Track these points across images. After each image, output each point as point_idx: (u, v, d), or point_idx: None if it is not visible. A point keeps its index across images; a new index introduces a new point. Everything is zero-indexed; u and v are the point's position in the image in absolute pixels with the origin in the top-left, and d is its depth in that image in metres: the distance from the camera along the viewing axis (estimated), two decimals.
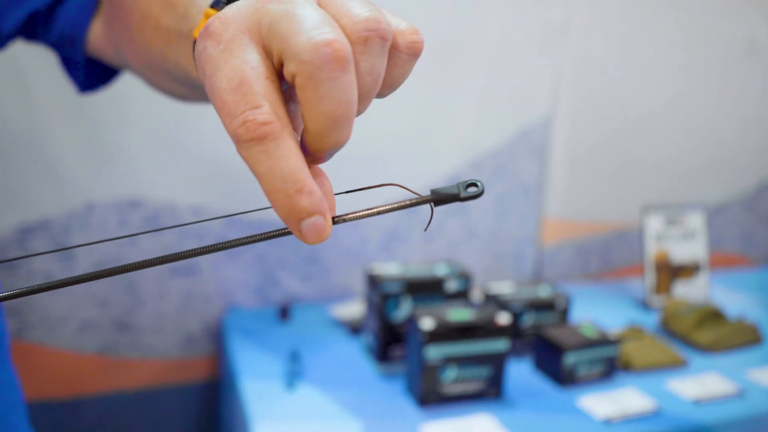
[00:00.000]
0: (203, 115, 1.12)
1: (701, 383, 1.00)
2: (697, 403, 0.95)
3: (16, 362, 1.05)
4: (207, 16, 0.35)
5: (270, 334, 1.13)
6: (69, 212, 1.08)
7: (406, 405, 0.91)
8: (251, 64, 0.25)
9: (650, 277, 1.33)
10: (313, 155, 0.27)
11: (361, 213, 0.28)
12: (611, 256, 1.54)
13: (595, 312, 1.27)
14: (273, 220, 1.21)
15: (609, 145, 1.46)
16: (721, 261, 1.67)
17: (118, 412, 1.21)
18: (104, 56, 0.55)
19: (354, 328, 1.14)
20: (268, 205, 1.15)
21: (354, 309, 1.19)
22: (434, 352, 0.88)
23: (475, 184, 0.29)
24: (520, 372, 1.03)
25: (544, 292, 1.11)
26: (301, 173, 0.25)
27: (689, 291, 1.37)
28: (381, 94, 0.29)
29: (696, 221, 1.39)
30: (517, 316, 1.05)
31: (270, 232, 0.27)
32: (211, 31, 0.27)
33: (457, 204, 1.35)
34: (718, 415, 0.92)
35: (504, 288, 1.12)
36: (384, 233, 1.31)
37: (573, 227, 1.48)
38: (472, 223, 1.37)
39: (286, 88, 0.29)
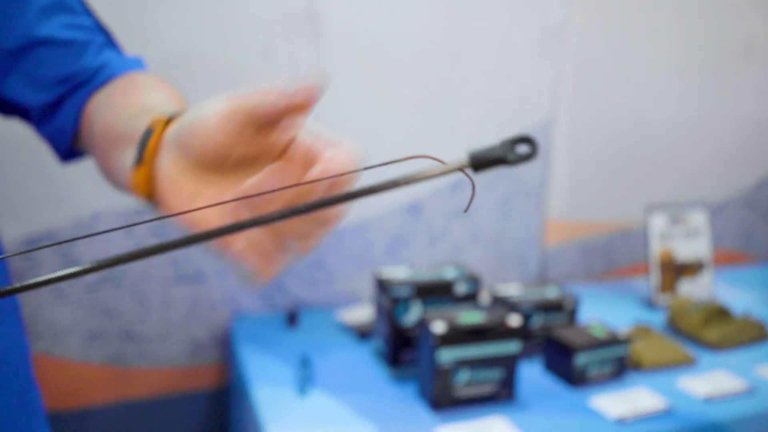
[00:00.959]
0: None
1: (711, 381, 1.01)
2: (709, 400, 0.95)
3: None
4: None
5: (278, 340, 1.13)
6: (75, 222, 1.08)
7: (418, 409, 0.91)
8: None
9: (655, 276, 1.33)
10: None
11: (383, 185, 0.25)
12: (614, 256, 1.55)
13: (601, 312, 1.27)
14: None
15: (610, 145, 1.47)
16: (722, 258, 1.68)
17: (125, 422, 1.20)
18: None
19: (362, 333, 1.14)
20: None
21: (361, 314, 1.19)
22: (446, 356, 0.88)
23: (527, 140, 0.22)
24: (531, 373, 1.03)
25: (551, 293, 1.11)
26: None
27: (694, 289, 1.38)
28: None
29: (699, 219, 1.40)
30: (525, 318, 1.05)
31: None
32: None
33: (463, 207, 1.35)
34: (730, 413, 0.92)
35: (511, 290, 1.12)
36: (389, 237, 1.30)
37: (576, 228, 1.49)
38: (476, 225, 1.37)
39: None
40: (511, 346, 0.91)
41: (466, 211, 0.30)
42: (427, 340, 0.89)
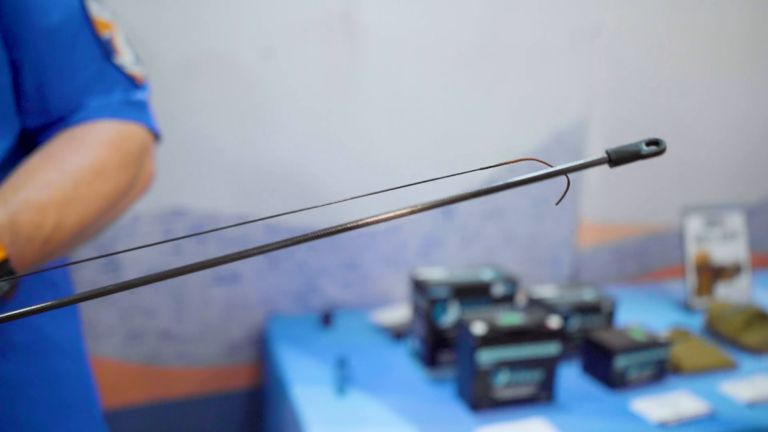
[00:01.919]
0: (243, 127, 1.13)
1: (753, 385, 0.99)
2: (752, 405, 0.94)
3: None
4: None
5: (314, 340, 1.14)
6: (115, 223, 1.10)
7: (457, 410, 0.91)
8: None
9: (691, 279, 1.32)
10: None
11: (518, 180, 0.26)
12: (648, 258, 1.53)
13: (637, 314, 1.26)
14: (312, 225, 1.22)
15: None
16: (759, 262, 1.65)
17: (162, 421, 1.22)
18: None
19: (397, 334, 1.14)
20: (305, 206, 1.16)
21: (396, 315, 1.20)
22: (486, 357, 0.88)
23: (656, 143, 0.26)
24: (569, 375, 1.02)
25: (588, 295, 1.10)
26: None
27: (731, 292, 1.36)
28: None
29: (736, 222, 1.38)
30: (563, 320, 1.05)
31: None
32: None
33: (495, 208, 1.35)
34: None
35: (548, 291, 1.11)
36: (422, 239, 1.31)
37: (609, 230, 1.47)
38: (509, 227, 1.37)
39: None
40: (551, 348, 0.91)
41: (557, 203, 0.31)
42: (466, 341, 0.89)
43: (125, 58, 0.58)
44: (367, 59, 1.18)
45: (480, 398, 0.89)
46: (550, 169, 0.26)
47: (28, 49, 0.51)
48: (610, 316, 1.08)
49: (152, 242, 1.12)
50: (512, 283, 1.03)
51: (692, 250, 1.32)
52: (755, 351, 1.11)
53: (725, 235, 1.36)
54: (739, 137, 1.54)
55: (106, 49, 0.56)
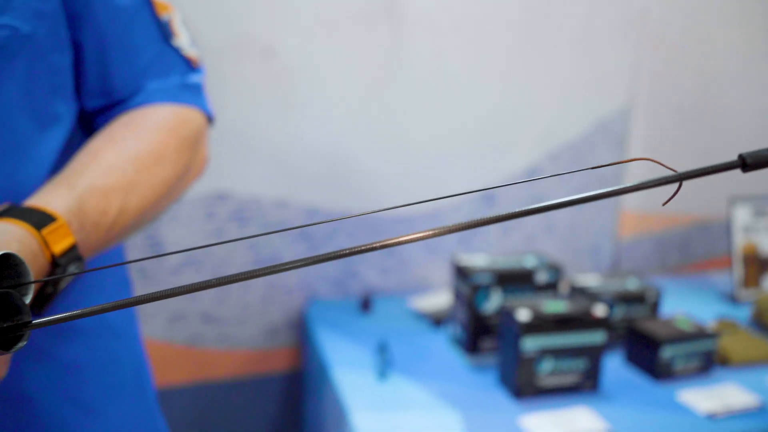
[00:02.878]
0: (284, 112, 1.14)
1: None
2: None
3: None
4: None
5: (353, 325, 1.14)
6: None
7: (500, 396, 0.90)
8: None
9: (738, 270, 1.29)
10: None
11: (634, 186, 0.25)
12: (692, 249, 1.50)
13: (681, 305, 1.23)
14: (348, 209, 1.22)
15: (689, 134, 1.42)
16: None
17: (203, 401, 1.24)
18: None
19: (436, 320, 1.14)
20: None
21: (436, 301, 1.19)
22: (531, 344, 0.87)
23: None
24: (612, 365, 1.01)
25: (632, 284, 1.08)
26: None
27: None
28: None
29: None
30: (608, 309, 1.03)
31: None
32: None
33: (536, 196, 1.33)
34: None
35: (590, 280, 1.10)
36: None
37: (652, 220, 1.45)
38: (550, 215, 1.35)
39: None
40: (597, 337, 0.90)
41: (664, 204, 0.29)
42: (510, 328, 0.89)
43: (182, 40, 0.58)
44: (411, 45, 1.17)
45: (523, 386, 0.88)
46: (667, 175, 0.24)
47: (93, 29, 0.52)
48: (654, 306, 1.06)
49: (195, 226, 1.13)
50: (556, 270, 1.01)
51: (739, 241, 1.29)
52: None
53: None
54: None
55: (165, 31, 0.56)
